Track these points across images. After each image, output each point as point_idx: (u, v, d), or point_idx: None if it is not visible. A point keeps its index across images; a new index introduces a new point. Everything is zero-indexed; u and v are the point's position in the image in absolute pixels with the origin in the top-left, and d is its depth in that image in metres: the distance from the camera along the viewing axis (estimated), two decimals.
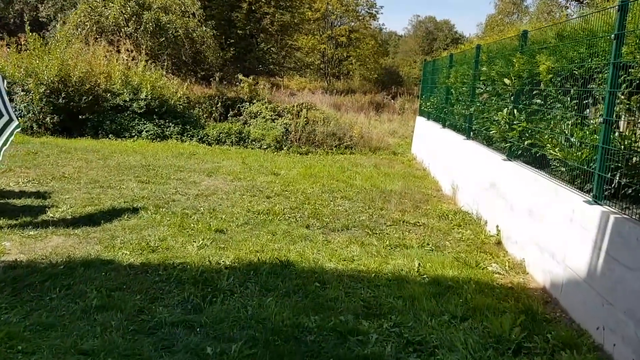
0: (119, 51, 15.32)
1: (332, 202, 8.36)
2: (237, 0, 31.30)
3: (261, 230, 6.66)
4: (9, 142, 6.51)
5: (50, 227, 6.20)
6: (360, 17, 44.19)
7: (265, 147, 14.41)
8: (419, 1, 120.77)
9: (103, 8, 16.93)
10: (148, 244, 5.86)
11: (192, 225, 6.65)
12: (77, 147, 11.64)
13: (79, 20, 16.75)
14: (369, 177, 10.68)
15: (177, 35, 17.65)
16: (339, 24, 43.69)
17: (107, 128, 14.04)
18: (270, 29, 33.04)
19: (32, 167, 9.25)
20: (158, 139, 14.08)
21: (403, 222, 7.53)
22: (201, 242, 6.03)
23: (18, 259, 5.26)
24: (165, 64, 17.13)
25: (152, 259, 5.47)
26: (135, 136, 14.10)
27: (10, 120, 6.55)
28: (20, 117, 13.47)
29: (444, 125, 11.81)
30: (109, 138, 13.75)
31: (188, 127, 14.81)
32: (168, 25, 17.31)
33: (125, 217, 6.81)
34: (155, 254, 5.62)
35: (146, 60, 15.72)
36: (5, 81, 6.80)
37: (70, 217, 6.74)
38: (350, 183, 9.97)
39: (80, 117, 14.03)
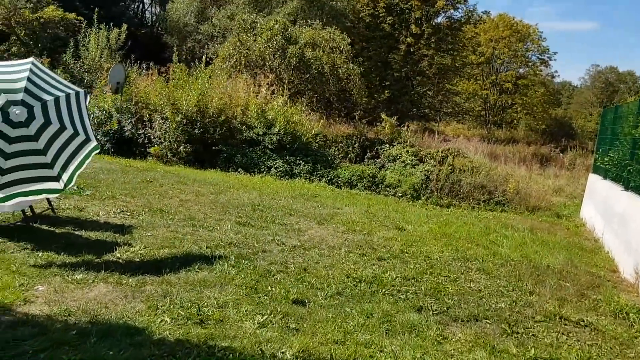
0: (259, 85, 14.85)
1: (462, 276, 6.38)
2: (395, 41, 30.43)
3: (354, 308, 4.97)
4: (84, 165, 5.68)
5: (104, 272, 5.15)
6: (529, 63, 40.76)
7: (400, 194, 12.70)
8: (598, 50, 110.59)
9: (252, 42, 16.77)
10: (199, 311, 4.48)
11: (267, 288, 5.19)
12: (196, 179, 10.99)
13: (227, 53, 16.76)
14: (520, 245, 8.42)
15: (322, 72, 16.87)
16: (505, 69, 40.70)
17: (237, 161, 13.43)
18: (427, 72, 31.56)
19: (137, 196, 8.60)
20: (286, 177, 13.11)
21: (560, 318, 5.33)
22: (267, 316, 4.52)
23: (37, 312, 4.19)
24: (307, 99, 16.37)
25: (192, 335, 4.07)
26: (264, 172, 13.29)
27: (88, 140, 5.73)
28: (157, 145, 13.43)
29: (626, 187, 9.10)
30: (238, 172, 13.09)
31: (319, 166, 13.68)
32: (312, 61, 16.59)
33: (196, 267, 5.57)
34: (200, 328, 4.21)
35: (288, 96, 15.07)
36: (88, 98, 6.08)
37: (138, 259, 5.68)
38: (494, 250, 7.84)
39: (213, 148, 13.64)
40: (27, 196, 5.48)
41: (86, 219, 6.97)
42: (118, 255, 5.75)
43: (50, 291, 4.60)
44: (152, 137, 13.58)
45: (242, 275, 5.48)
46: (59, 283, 4.81)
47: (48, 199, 6.92)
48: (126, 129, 13.66)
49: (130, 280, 5.07)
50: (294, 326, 4.43)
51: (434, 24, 31.18)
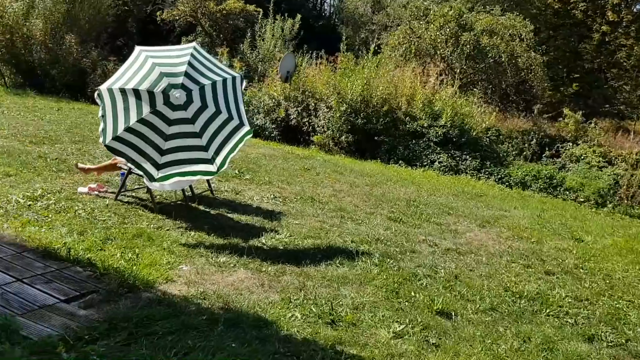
0: (428, 74, 14.17)
1: None
2: (587, 29, 27.26)
3: (509, 328, 4.27)
4: (237, 149, 5.70)
5: (247, 257, 5.09)
6: None
7: (581, 200, 11.22)
8: None
9: (424, 30, 16.09)
10: (332, 310, 4.17)
11: (410, 294, 4.69)
12: (354, 169, 10.78)
13: (397, 42, 16.29)
14: None
15: (499, 61, 15.60)
16: None
17: (399, 154, 12.98)
18: (625, 64, 27.75)
19: (292, 183, 8.61)
20: (450, 172, 12.34)
21: None
22: (405, 326, 4.05)
23: (175, 292, 4.21)
24: (480, 90, 15.27)
25: (320, 337, 3.76)
26: (427, 166, 12.66)
27: (241, 125, 5.74)
28: (320, 133, 13.53)
29: None
30: (399, 165, 12.64)
31: (488, 163, 12.65)
32: (488, 49, 15.39)
33: (337, 261, 5.28)
34: (330, 329, 3.89)
35: (458, 87, 14.18)
36: (244, 83, 6.09)
37: (281, 247, 5.57)
38: None
39: (375, 138, 13.35)
40: (184, 176, 5.64)
41: (240, 202, 7.09)
42: (263, 241, 5.69)
43: (192, 272, 4.63)
44: (316, 125, 13.71)
45: (385, 276, 5.05)
46: (202, 264, 4.83)
47: (208, 181, 7.18)
48: (292, 117, 13.97)
49: (270, 268, 4.94)
50: (434, 341, 3.90)
51: (634, 10, 27.30)
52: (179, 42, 19.20)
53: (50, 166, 7.28)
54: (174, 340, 3.50)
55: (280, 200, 7.43)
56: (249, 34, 16.39)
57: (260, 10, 17.27)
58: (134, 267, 4.49)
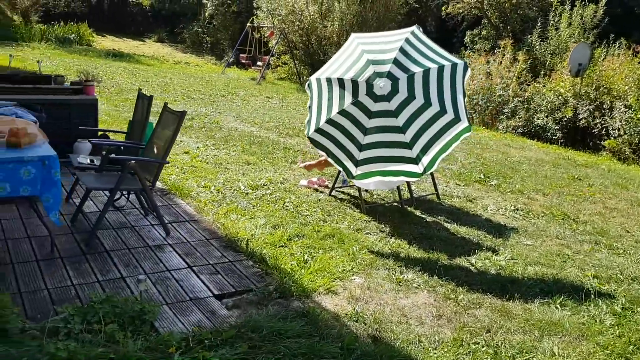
0: None
1: None
2: None
3: None
4: (450, 148, 4.84)
5: (440, 278, 4.24)
6: None
7: None
8: None
9: None
10: None
11: None
12: None
13: None
14: None
15: None
16: None
17: None
18: None
19: (549, 194, 7.11)
20: None
21: None
22: None
23: (329, 306, 3.68)
24: None
25: None
26: None
27: (457, 120, 4.84)
28: (613, 138, 11.17)
29: None
30: None
31: None
32: None
33: (559, 301, 3.97)
34: None
35: None
36: (469, 71, 5.09)
37: (492, 272, 4.50)
38: None
39: None
40: (385, 176, 5.03)
41: (469, 211, 6.10)
42: (473, 261, 4.70)
43: (363, 286, 4.02)
44: (609, 128, 11.35)
45: (619, 332, 3.57)
46: (380, 278, 4.17)
47: (434, 183, 6.40)
48: (581, 117, 11.87)
49: (463, 296, 3.98)
50: None
51: None
52: (463, 37, 18.46)
53: (287, 157, 7.51)
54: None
55: (522, 214, 6.16)
56: (539, 24, 14.59)
57: None
58: (301, 271, 4.11)
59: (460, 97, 4.94)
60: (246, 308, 3.56)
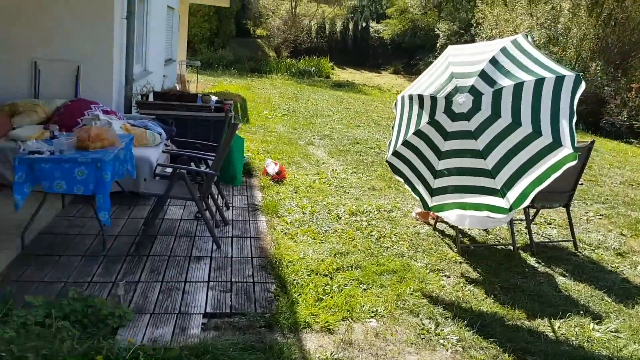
0: None
1: None
2: None
3: None
4: (548, 180, 3.81)
5: (483, 338, 3.35)
6: None
7: None
8: None
9: None
10: None
11: None
12: None
13: None
14: None
15: None
16: None
17: None
18: None
19: None
20: None
21: None
22: None
23: (310, 346, 3.18)
24: None
25: None
26: None
27: (556, 145, 3.79)
28: None
29: None
30: None
31: None
32: None
33: None
34: None
35: None
36: (582, 85, 3.91)
37: (580, 341, 3.38)
38: None
39: None
40: (465, 209, 4.19)
41: (606, 266, 4.73)
42: (556, 325, 3.60)
43: (372, 331, 3.39)
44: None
45: None
46: (404, 326, 3.46)
47: (571, 225, 5.12)
48: None
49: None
50: None
51: None
52: None
53: None
54: None
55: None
56: None
57: None
58: (314, 303, 3.66)
59: (564, 116, 3.85)
60: (224, 332, 3.29)
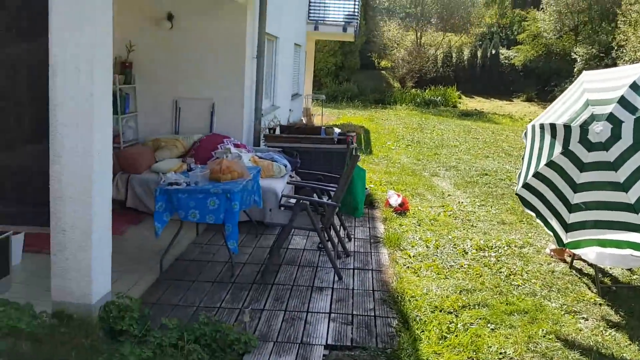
0: None
1: None
2: None
3: None
4: None
5: None
6: None
7: None
8: None
9: None
10: None
11: None
12: None
13: None
14: None
15: None
16: None
17: None
18: None
19: None
20: None
21: None
22: None
23: None
24: None
25: None
26: None
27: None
28: None
29: None
30: None
31: None
32: None
33: None
34: None
35: None
36: None
37: None
38: None
39: None
40: (604, 247, 3.83)
41: None
42: None
43: None
44: None
45: None
46: None
47: None
48: None
49: None
50: None
51: None
52: None
53: None
54: None
55: None
56: None
57: None
58: (437, 341, 3.51)
59: None
60: None
